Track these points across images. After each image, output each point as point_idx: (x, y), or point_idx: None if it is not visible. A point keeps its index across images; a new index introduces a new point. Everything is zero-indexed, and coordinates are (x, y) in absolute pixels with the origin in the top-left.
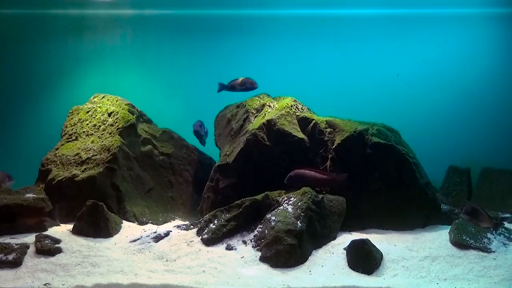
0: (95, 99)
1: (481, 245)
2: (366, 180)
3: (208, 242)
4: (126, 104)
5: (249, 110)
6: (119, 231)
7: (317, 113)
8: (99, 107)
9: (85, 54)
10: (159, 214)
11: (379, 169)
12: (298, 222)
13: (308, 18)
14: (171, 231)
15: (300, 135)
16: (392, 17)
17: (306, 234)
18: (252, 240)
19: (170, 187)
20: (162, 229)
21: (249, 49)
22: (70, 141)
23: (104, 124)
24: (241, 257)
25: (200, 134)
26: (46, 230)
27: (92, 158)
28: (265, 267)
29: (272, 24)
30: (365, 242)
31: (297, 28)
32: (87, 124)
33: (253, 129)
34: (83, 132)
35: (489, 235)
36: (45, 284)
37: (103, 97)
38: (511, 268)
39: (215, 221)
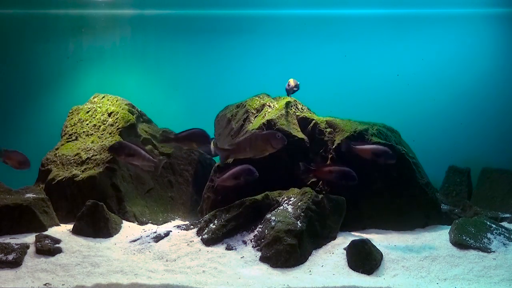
0: (95, 99)
1: (481, 245)
2: (366, 180)
3: (208, 242)
4: (126, 104)
5: (249, 110)
6: (119, 231)
7: (317, 113)
8: (99, 107)
9: (85, 54)
10: (159, 214)
11: (379, 169)
12: (298, 222)
13: (308, 18)
14: (171, 231)
15: (300, 135)
16: (392, 17)
17: (306, 234)
18: (252, 240)
19: (170, 187)
20: (162, 229)
21: (249, 49)
22: (70, 141)
23: (104, 124)
24: (241, 257)
25: None
26: (46, 230)
27: (92, 158)
28: (265, 267)
29: (272, 24)
30: (365, 242)
31: (297, 28)
32: (87, 124)
33: (253, 129)
34: (83, 132)
35: (489, 235)
36: (45, 284)
37: (103, 97)
38: (511, 268)
39: (215, 221)
